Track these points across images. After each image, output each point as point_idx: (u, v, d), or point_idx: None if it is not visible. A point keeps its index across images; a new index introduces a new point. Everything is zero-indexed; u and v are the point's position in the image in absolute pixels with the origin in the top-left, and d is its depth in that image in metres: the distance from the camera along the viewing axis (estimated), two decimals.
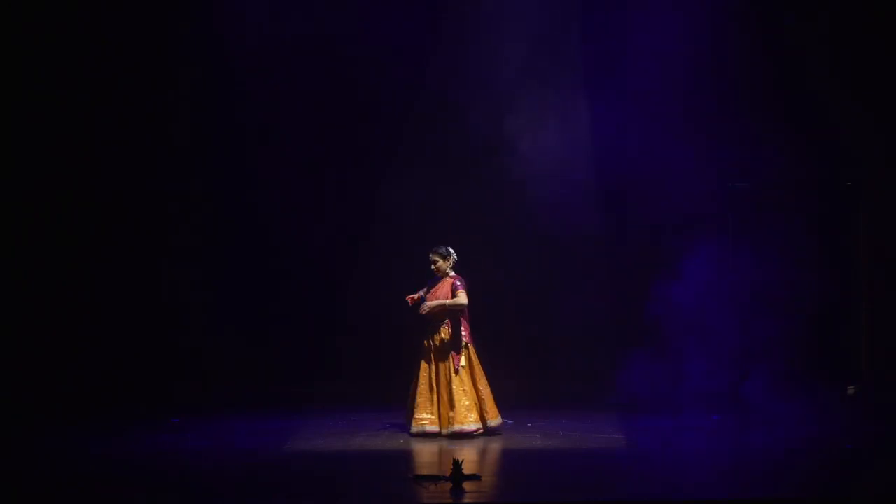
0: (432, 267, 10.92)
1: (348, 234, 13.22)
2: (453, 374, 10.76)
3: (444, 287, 10.87)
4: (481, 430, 10.78)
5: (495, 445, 10.47)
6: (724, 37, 12.34)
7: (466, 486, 8.38)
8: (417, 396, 10.81)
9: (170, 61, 12.85)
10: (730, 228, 12.52)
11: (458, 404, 10.73)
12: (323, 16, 12.74)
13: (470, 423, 10.73)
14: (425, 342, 10.90)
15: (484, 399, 10.84)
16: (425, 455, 10.03)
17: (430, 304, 10.80)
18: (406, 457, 10.07)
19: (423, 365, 10.86)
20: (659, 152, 12.43)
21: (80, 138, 12.69)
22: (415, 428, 10.76)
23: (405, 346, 11.33)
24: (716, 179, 12.49)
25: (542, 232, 13.01)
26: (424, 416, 10.78)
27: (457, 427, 10.67)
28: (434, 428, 10.74)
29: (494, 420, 10.88)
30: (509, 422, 11.49)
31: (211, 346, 13.05)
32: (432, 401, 10.79)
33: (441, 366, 10.82)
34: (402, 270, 11.84)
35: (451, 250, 10.95)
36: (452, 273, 10.91)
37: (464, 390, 10.76)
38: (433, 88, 13.04)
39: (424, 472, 8.96)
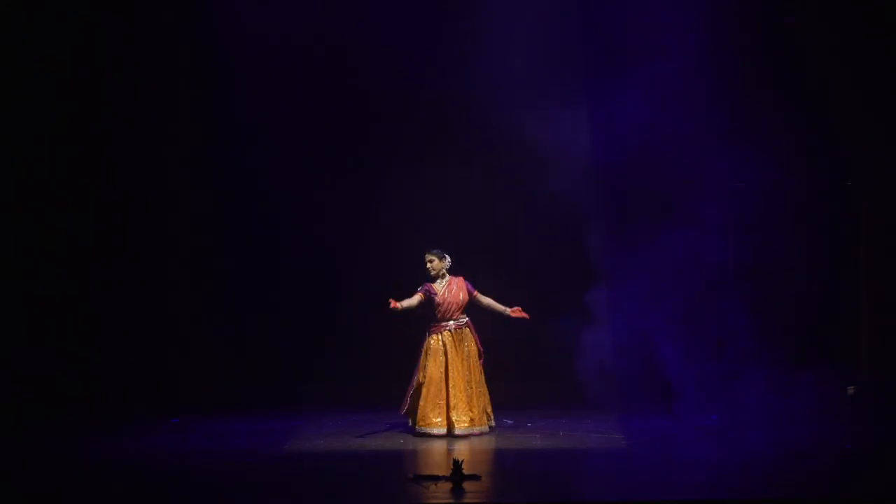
0: (427, 266, 10.94)
1: (349, 233, 13.21)
2: (477, 375, 10.81)
3: (455, 285, 10.89)
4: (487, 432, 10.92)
5: (495, 445, 10.48)
6: (725, 36, 12.32)
7: (466, 486, 8.38)
8: (428, 397, 10.80)
9: (169, 62, 12.84)
10: (729, 228, 12.51)
11: (477, 406, 10.81)
12: (324, 12, 12.74)
13: (484, 424, 10.90)
14: (439, 341, 10.89)
15: (489, 401, 10.91)
16: (425, 455, 10.03)
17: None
18: (406, 457, 10.07)
19: (437, 363, 10.84)
20: (659, 152, 12.43)
21: (80, 139, 12.68)
22: (424, 429, 10.76)
23: (405, 347, 11.33)
24: (716, 179, 12.48)
25: (542, 230, 13.03)
26: (435, 418, 10.79)
27: (477, 429, 10.79)
28: (442, 430, 10.75)
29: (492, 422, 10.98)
30: (509, 422, 11.50)
31: (211, 346, 13.04)
32: (442, 402, 10.79)
33: (460, 365, 10.82)
34: (402, 270, 11.83)
35: (446, 254, 11.01)
36: (450, 275, 10.95)
37: (481, 392, 10.87)
38: (434, 87, 13.03)
39: (424, 472, 8.96)
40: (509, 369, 12.59)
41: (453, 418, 10.75)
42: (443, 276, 10.97)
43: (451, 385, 10.79)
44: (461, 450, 10.08)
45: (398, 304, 10.80)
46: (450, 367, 10.80)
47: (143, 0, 12.68)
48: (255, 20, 12.66)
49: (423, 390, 10.85)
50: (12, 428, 11.34)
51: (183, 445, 10.44)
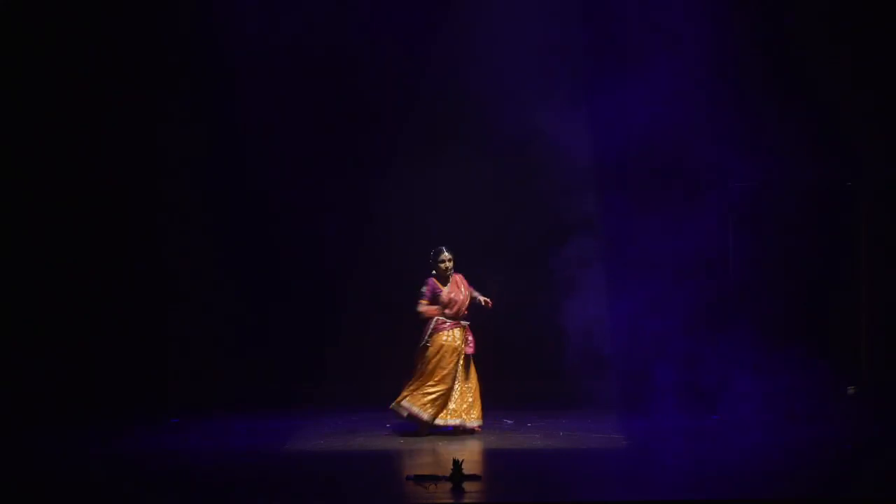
0: (449, 264, 10.93)
1: (349, 233, 13.21)
2: (474, 370, 10.87)
3: (460, 283, 10.92)
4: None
5: (495, 445, 10.48)
6: (725, 36, 12.32)
7: (466, 486, 8.38)
8: (455, 392, 10.85)
9: (169, 62, 12.85)
10: (730, 229, 12.52)
11: (478, 400, 10.90)
12: (324, 13, 12.74)
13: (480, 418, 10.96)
14: (452, 339, 10.89)
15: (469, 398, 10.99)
16: (425, 455, 10.03)
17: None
18: (406, 457, 10.07)
19: (452, 360, 10.85)
20: (660, 150, 12.44)
21: (80, 140, 12.68)
22: (451, 420, 10.83)
23: (405, 347, 11.33)
24: (716, 179, 12.49)
25: (542, 229, 13.03)
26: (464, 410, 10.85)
27: (477, 423, 10.89)
28: (467, 422, 10.84)
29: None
30: (509, 422, 11.50)
31: (211, 346, 13.05)
32: (458, 398, 10.85)
33: (465, 362, 10.86)
34: (402, 270, 11.83)
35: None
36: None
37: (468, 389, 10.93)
38: (433, 87, 13.03)
39: (424, 472, 8.96)
40: (509, 369, 12.61)
41: (448, 410, 10.82)
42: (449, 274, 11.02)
43: (458, 379, 10.86)
44: (461, 450, 10.08)
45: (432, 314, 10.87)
46: (449, 363, 10.82)
47: (143, 1, 12.69)
48: (255, 21, 12.66)
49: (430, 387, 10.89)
50: (13, 428, 11.33)
51: (183, 445, 10.44)
